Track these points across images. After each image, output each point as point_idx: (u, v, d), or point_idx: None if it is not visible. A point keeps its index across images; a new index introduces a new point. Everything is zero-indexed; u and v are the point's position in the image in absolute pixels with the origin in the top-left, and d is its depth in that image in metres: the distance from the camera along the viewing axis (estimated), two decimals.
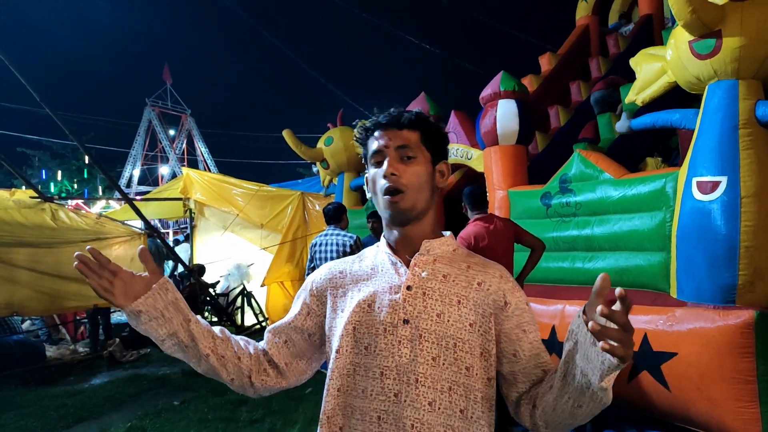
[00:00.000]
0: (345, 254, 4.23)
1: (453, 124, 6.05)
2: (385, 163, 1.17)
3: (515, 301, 1.17)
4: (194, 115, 39.37)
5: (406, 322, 1.13)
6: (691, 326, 3.21)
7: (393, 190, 1.15)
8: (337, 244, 4.26)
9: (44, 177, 29.74)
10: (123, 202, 10.00)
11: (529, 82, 7.86)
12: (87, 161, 30.73)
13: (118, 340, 6.90)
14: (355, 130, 1.27)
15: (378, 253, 1.27)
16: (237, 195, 9.57)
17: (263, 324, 8.77)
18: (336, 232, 4.34)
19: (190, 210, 10.28)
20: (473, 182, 6.72)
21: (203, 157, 39.18)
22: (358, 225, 6.72)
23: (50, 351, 7.03)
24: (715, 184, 3.28)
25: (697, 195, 3.36)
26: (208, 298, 8.44)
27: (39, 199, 7.41)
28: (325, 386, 1.20)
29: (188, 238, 11.53)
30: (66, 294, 6.58)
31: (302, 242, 9.04)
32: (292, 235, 8.92)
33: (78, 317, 8.05)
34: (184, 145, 39.22)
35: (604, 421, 3.76)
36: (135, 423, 4.29)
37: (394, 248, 1.23)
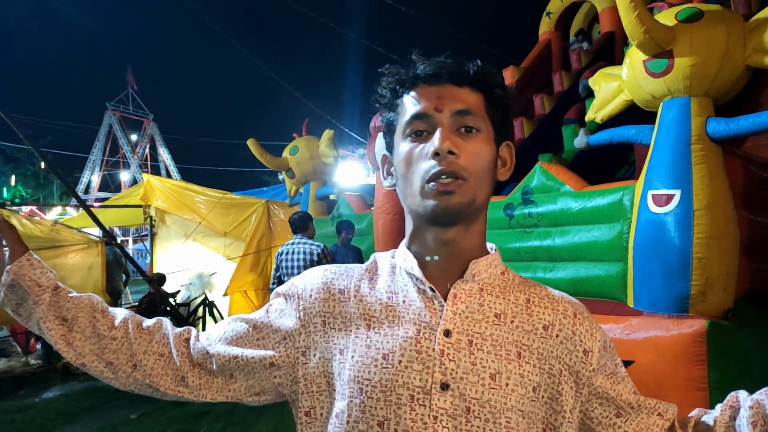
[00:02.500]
0: (312, 263, 4.20)
1: None
2: (437, 134, 0.78)
3: (598, 346, 0.83)
4: (157, 120, 38.58)
5: (445, 387, 0.75)
6: (647, 335, 3.31)
7: (450, 170, 0.77)
8: (304, 253, 4.24)
9: None
10: (80, 208, 9.70)
11: None
12: (43, 166, 29.70)
13: None
14: (382, 83, 0.87)
15: (398, 272, 0.86)
16: (200, 202, 9.41)
17: None
18: (303, 240, 4.33)
19: (151, 217, 10.05)
20: None
21: (166, 163, 38.38)
22: (323, 234, 6.69)
23: None
24: (670, 197, 3.40)
25: (653, 207, 3.48)
26: (168, 308, 8.24)
27: None
28: None
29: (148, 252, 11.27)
30: None
31: (267, 251, 8.94)
32: (257, 243, 8.82)
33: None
34: (147, 151, 38.36)
35: None
36: None
37: (423, 265, 0.84)
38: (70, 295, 0.94)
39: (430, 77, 0.81)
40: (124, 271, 9.23)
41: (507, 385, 0.75)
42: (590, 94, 5.70)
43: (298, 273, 4.22)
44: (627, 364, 3.36)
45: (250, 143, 8.42)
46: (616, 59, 7.68)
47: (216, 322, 8.62)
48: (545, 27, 9.04)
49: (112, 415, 4.75)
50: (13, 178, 30.11)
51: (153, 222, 10.07)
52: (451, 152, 0.76)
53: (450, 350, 0.77)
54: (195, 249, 9.47)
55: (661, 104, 3.63)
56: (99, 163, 36.65)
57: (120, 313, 0.95)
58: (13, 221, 6.93)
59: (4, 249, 0.92)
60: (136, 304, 9.40)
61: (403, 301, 0.82)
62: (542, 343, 0.80)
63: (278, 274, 4.40)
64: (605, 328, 3.55)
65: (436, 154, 0.77)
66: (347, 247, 5.81)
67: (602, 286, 3.99)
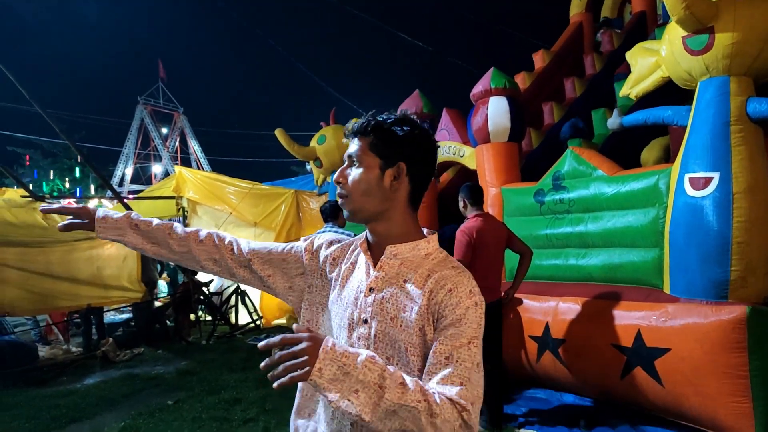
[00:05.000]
0: None
1: (445, 121, 6.04)
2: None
3: (451, 316, 1.15)
4: (187, 113, 39.17)
5: (365, 321, 1.21)
6: (684, 322, 3.22)
7: (340, 194, 1.25)
8: None
9: (36, 176, 29.52)
10: (115, 201, 9.93)
11: (522, 79, 7.86)
12: (79, 160, 30.52)
13: (111, 339, 6.85)
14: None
15: (358, 250, 1.32)
16: (230, 193, 9.53)
17: (257, 323, 8.74)
18: (334, 229, 4.33)
19: (183, 208, 10.22)
20: (467, 179, 6.72)
21: (196, 155, 39.00)
22: (351, 223, 6.70)
23: (42, 351, 6.97)
24: (708, 180, 3.29)
25: (690, 191, 3.37)
26: (201, 297, 8.40)
27: (30, 198, 7.35)
28: None
29: None
30: (58, 293, 6.53)
31: (296, 240, 9.02)
32: (286, 233, 8.91)
33: (68, 317, 7.98)
34: (177, 144, 39.05)
35: (598, 417, 3.78)
36: (128, 423, 4.27)
37: (371, 244, 1.30)
38: (152, 222, 1.43)
39: (348, 133, 1.28)
40: (159, 262, 9.42)
41: (400, 325, 1.17)
42: (575, 134, 5.36)
43: None
44: (663, 352, 3.28)
45: (278, 133, 8.47)
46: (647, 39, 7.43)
47: (248, 311, 8.76)
48: (576, 9, 8.81)
49: (149, 402, 4.88)
50: (51, 172, 31.06)
51: (185, 213, 10.25)
52: (338, 181, 1.25)
53: (370, 299, 1.21)
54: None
55: (699, 84, 3.50)
56: (131, 156, 37.51)
57: (185, 234, 1.43)
58: (53, 214, 7.14)
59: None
60: (172, 294, 9.61)
61: (359, 266, 1.29)
62: (426, 301, 1.17)
63: None
64: (639, 315, 3.48)
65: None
66: None
67: (637, 272, 3.90)
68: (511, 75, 5.48)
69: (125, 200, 7.94)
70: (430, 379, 1.09)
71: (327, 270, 1.35)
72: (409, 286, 1.20)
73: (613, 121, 4.58)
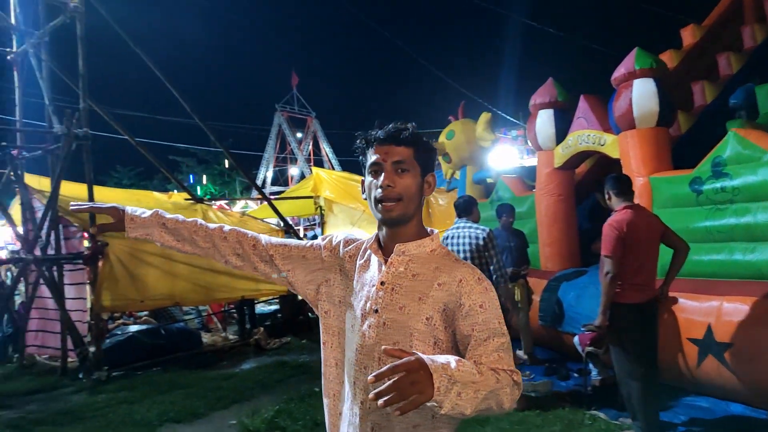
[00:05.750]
0: (478, 247, 4.19)
1: (583, 109, 5.73)
2: (383, 174, 1.33)
3: (470, 303, 1.28)
4: (318, 117, 41.36)
5: (375, 311, 1.33)
6: None
7: (389, 198, 1.32)
8: (470, 237, 4.22)
9: (192, 181, 32.97)
10: (259, 202, 10.78)
11: (669, 58, 7.18)
12: (227, 165, 33.58)
13: (262, 329, 7.47)
14: (357, 141, 1.41)
15: (369, 249, 1.43)
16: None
17: None
18: (468, 225, 4.31)
19: (320, 207, 10.81)
20: (607, 170, 6.31)
21: (327, 156, 41.02)
22: (482, 218, 6.62)
23: (205, 338, 7.81)
24: None
25: None
26: None
27: (191, 201, 8.26)
28: (324, 341, 1.48)
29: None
30: (217, 286, 7.25)
31: None
32: None
33: (225, 308, 8.83)
34: (311, 147, 41.38)
35: None
36: (282, 406, 4.62)
37: (381, 244, 1.41)
38: (175, 223, 1.52)
39: (380, 140, 1.35)
40: None
41: (408, 313, 1.31)
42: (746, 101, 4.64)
43: (464, 257, 4.23)
44: None
45: None
46: None
47: None
48: None
49: (298, 388, 5.25)
50: (204, 177, 34.57)
51: (322, 211, 10.84)
52: (389, 186, 1.32)
53: (381, 292, 1.34)
54: (361, 235, 9.93)
55: None
56: (271, 160, 40.48)
57: (210, 230, 1.52)
58: (210, 215, 7.97)
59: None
60: None
61: (371, 264, 1.41)
62: (437, 292, 1.31)
63: None
64: None
65: (381, 187, 1.32)
66: (508, 230, 5.68)
67: None
68: (654, 54, 5.05)
69: (271, 201, 8.58)
70: (479, 356, 1.23)
71: (345, 266, 1.46)
72: (419, 279, 1.33)
73: None
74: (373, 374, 1.03)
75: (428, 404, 1.05)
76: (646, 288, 3.50)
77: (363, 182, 1.42)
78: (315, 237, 12.79)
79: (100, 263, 6.15)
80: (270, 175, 40.79)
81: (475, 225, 4.32)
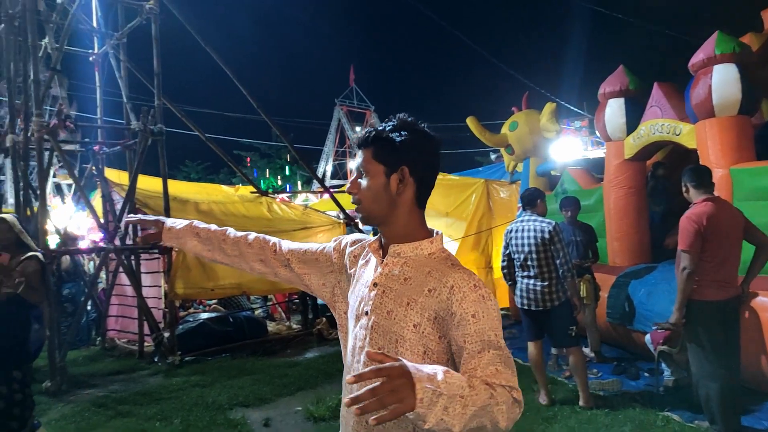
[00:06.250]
0: (543, 241, 4.10)
1: (656, 97, 5.47)
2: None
3: (461, 312, 1.19)
4: (377, 111, 41.57)
5: (367, 313, 1.31)
6: None
7: (353, 201, 1.34)
8: (535, 230, 4.13)
9: (255, 175, 33.95)
10: (320, 195, 10.98)
11: (749, 42, 6.73)
12: (289, 159, 34.36)
13: (324, 319, 7.62)
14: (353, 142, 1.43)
15: (368, 249, 1.42)
16: None
17: None
18: (533, 218, 4.21)
19: None
20: (681, 160, 6.01)
21: None
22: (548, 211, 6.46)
23: (270, 327, 8.06)
24: None
25: None
26: None
27: (257, 194, 8.52)
28: (342, 343, 1.48)
29: (377, 232, 12.23)
30: None
31: (487, 231, 9.00)
32: (477, 223, 8.94)
33: (288, 298, 9.08)
34: None
35: None
36: None
37: (383, 244, 1.38)
38: (207, 233, 1.59)
39: (355, 146, 1.38)
40: None
41: (394, 319, 1.26)
42: None
43: (529, 251, 4.15)
44: None
45: (470, 121, 8.52)
46: None
47: None
48: None
49: None
50: (267, 171, 35.51)
51: None
52: (350, 191, 1.35)
53: (373, 293, 1.30)
54: None
55: None
56: (331, 154, 41.06)
57: (237, 238, 1.58)
58: (274, 207, 8.20)
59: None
60: None
61: (369, 264, 1.38)
62: (426, 299, 1.24)
63: (507, 252, 4.36)
64: None
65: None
66: (574, 224, 5.51)
67: None
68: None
69: (333, 194, 8.72)
70: (472, 370, 1.13)
71: (350, 266, 1.45)
72: (409, 284, 1.27)
73: None
74: (354, 375, 0.96)
75: (410, 417, 0.97)
76: (728, 285, 3.31)
77: None
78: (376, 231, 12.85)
79: (174, 253, 6.46)
80: (330, 168, 41.41)
81: (540, 218, 4.22)
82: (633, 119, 5.69)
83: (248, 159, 35.32)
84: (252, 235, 1.58)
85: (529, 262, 4.17)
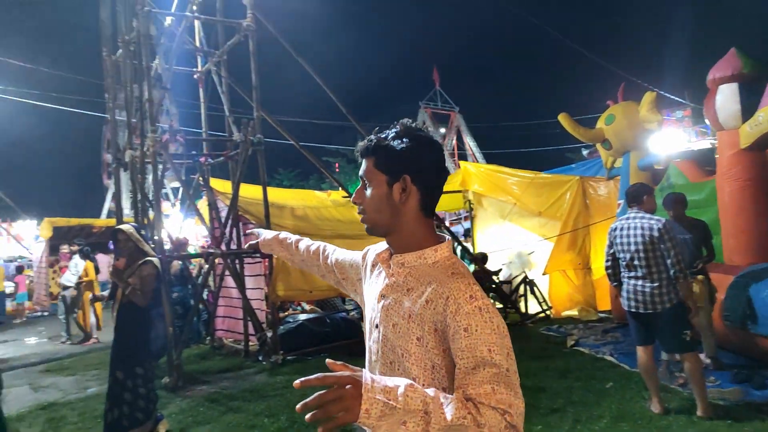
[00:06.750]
0: (652, 239, 3.87)
1: None
2: None
3: (455, 325, 1.12)
4: (462, 112, 41.22)
5: (377, 326, 1.28)
6: None
7: (359, 212, 1.32)
8: (642, 228, 3.90)
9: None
10: None
11: None
12: None
13: None
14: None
15: (378, 259, 1.40)
16: (512, 184, 9.66)
17: (547, 312, 8.68)
18: (640, 215, 3.99)
19: (469, 201, 10.78)
20: None
21: (471, 150, 40.72)
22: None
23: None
24: None
25: None
26: (491, 285, 8.74)
27: (348, 198, 8.74)
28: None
29: (468, 233, 12.11)
30: None
31: (584, 229, 8.64)
32: (573, 222, 8.60)
33: None
34: (454, 141, 41.39)
35: None
36: None
37: (392, 253, 1.34)
38: (288, 241, 1.80)
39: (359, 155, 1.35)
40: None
41: (398, 332, 1.21)
42: None
43: (636, 250, 3.93)
44: None
45: (562, 118, 8.23)
46: None
47: (537, 300, 8.76)
48: None
49: None
50: (353, 176, 36.36)
51: (471, 205, 10.80)
52: (355, 202, 1.34)
53: (380, 306, 1.28)
54: (511, 229, 9.78)
55: None
56: None
57: (307, 244, 1.75)
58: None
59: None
60: None
61: (379, 276, 1.36)
62: (423, 310, 1.18)
63: (612, 251, 4.15)
64: None
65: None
66: (682, 221, 5.10)
67: None
68: None
69: None
70: (463, 389, 1.07)
71: (366, 276, 1.45)
72: (411, 295, 1.23)
73: None
74: (300, 380, 0.95)
75: (364, 427, 0.96)
76: None
77: None
78: (467, 232, 12.79)
79: (275, 258, 6.78)
80: None
81: (648, 215, 3.99)
82: (749, 105, 5.24)
83: (336, 165, 36.31)
84: (314, 245, 1.73)
85: (635, 262, 3.95)
